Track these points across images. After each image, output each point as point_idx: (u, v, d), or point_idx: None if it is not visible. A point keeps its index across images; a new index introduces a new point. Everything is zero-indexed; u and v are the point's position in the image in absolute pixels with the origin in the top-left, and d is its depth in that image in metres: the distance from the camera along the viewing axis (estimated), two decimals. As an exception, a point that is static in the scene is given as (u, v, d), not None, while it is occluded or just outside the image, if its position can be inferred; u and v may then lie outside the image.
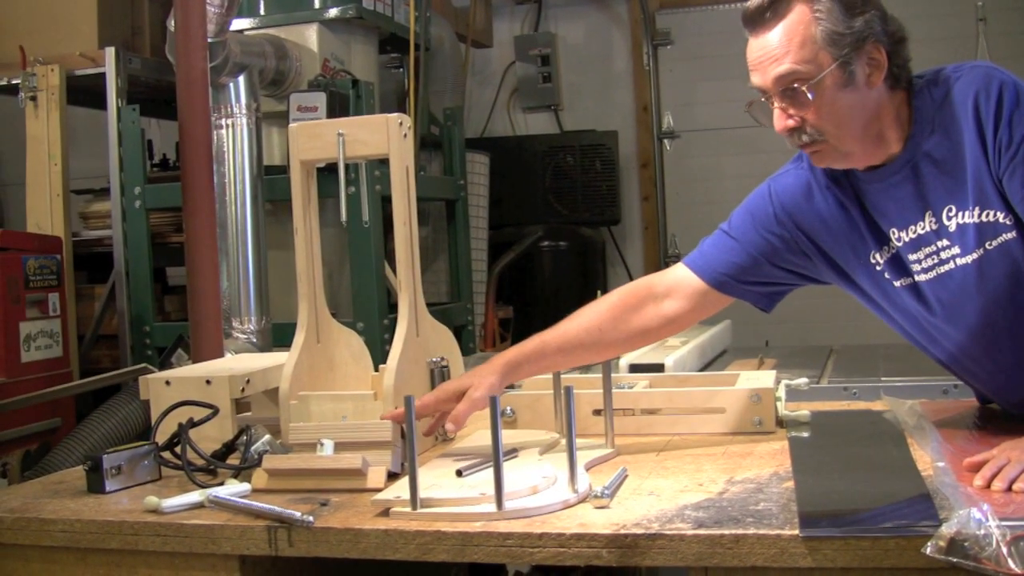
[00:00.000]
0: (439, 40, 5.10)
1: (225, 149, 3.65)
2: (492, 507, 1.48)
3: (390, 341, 2.00)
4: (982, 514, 1.25)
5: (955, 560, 1.23)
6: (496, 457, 1.49)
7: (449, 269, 4.86)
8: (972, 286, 1.71)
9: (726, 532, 1.35)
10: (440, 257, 4.91)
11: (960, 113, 1.69)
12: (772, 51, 1.69)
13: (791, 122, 1.71)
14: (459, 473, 1.63)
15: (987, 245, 1.69)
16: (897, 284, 1.79)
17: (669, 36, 5.93)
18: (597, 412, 1.99)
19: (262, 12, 4.21)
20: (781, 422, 2.00)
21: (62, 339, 3.88)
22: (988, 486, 1.45)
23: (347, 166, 1.94)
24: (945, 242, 1.72)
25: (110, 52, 4.07)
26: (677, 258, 6.09)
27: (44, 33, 4.22)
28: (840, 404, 2.27)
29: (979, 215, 1.68)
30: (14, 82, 4.18)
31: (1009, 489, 1.43)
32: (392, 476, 1.73)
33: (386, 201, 2.48)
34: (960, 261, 1.71)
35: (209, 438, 1.88)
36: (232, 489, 1.67)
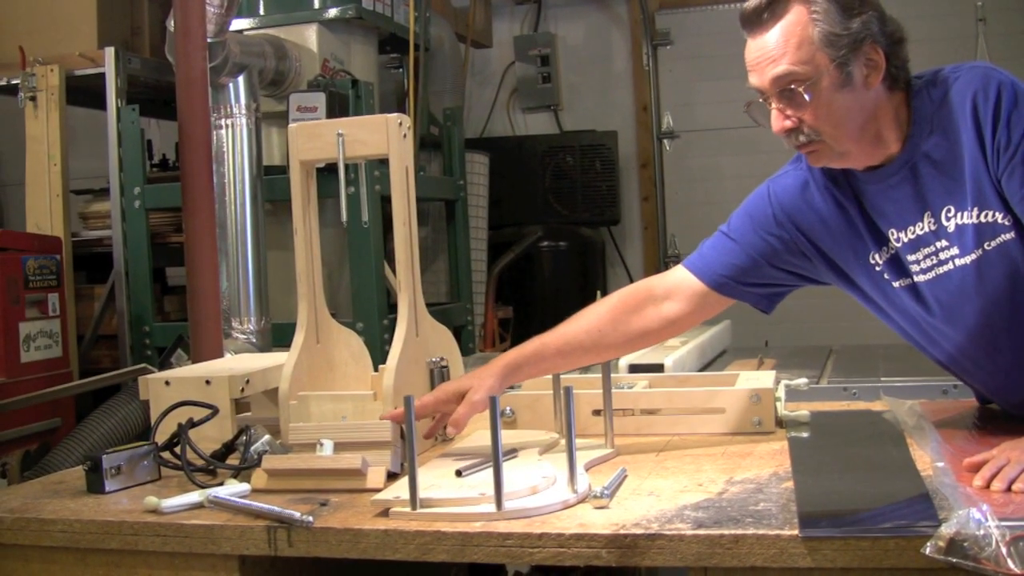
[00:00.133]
0: (439, 40, 5.10)
1: (225, 149, 3.65)
2: (492, 507, 1.48)
3: (390, 341, 2.00)
4: (981, 514, 1.25)
5: (954, 560, 1.23)
6: (496, 457, 1.49)
7: (449, 269, 4.86)
8: (971, 287, 1.71)
9: (726, 532, 1.35)
10: (440, 257, 4.91)
11: (958, 114, 1.69)
12: (769, 52, 1.69)
13: (788, 123, 1.71)
14: (459, 473, 1.63)
15: (986, 246, 1.69)
16: (896, 285, 1.80)
17: (669, 36, 5.93)
18: (597, 412, 1.99)
19: (262, 12, 4.21)
20: (781, 422, 2.00)
21: (62, 339, 3.88)
22: (987, 486, 1.45)
23: (347, 166, 1.94)
24: (944, 243, 1.72)
25: (110, 52, 4.07)
26: (677, 258, 6.11)
27: (44, 33, 4.22)
28: (840, 404, 2.27)
29: (978, 216, 1.68)
30: (14, 82, 4.18)
31: (1008, 489, 1.43)
32: (392, 476, 1.73)
33: (386, 201, 2.47)
34: (959, 262, 1.71)
35: (209, 438, 1.88)
36: (232, 489, 1.67)
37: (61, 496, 1.77)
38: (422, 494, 1.51)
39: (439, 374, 1.96)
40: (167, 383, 2.01)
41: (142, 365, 3.52)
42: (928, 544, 1.25)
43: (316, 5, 4.19)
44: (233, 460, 1.85)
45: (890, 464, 1.66)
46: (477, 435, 2.00)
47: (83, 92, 4.28)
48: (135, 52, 4.27)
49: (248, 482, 1.71)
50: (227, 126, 3.67)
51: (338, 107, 3.76)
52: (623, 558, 1.38)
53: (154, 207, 4.03)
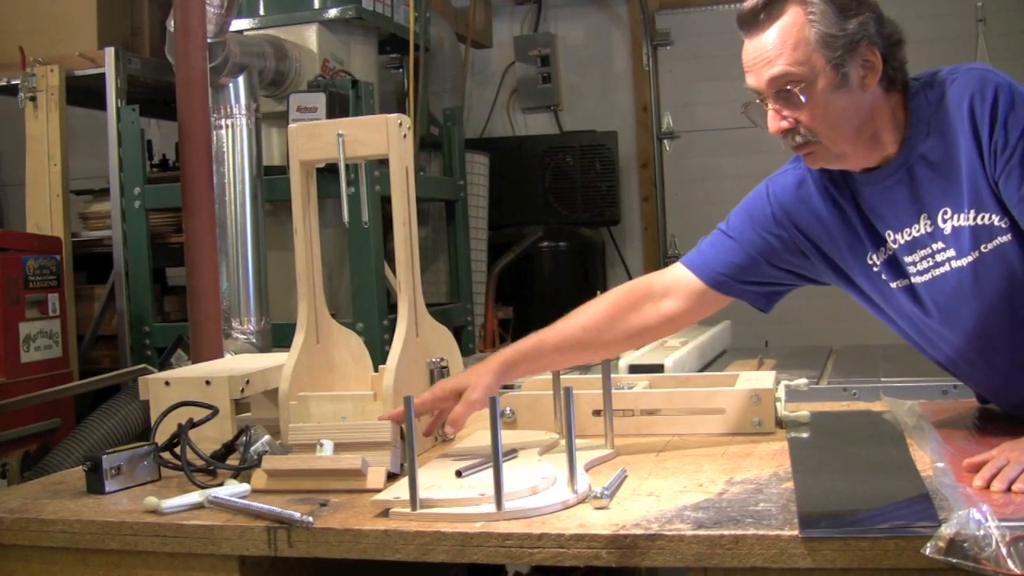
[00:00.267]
0: (439, 40, 5.10)
1: (225, 149, 3.65)
2: (492, 508, 1.48)
3: (390, 341, 2.00)
4: (981, 515, 1.25)
5: (954, 561, 1.23)
6: (495, 458, 1.49)
7: (449, 270, 4.86)
8: (967, 289, 1.71)
9: (725, 533, 1.35)
10: (440, 257, 4.91)
11: (955, 116, 1.68)
12: (766, 53, 1.69)
13: (785, 123, 1.71)
14: (458, 474, 1.63)
15: (982, 248, 1.68)
16: (893, 286, 1.79)
17: (669, 36, 5.93)
18: (597, 413, 1.99)
19: (262, 12, 4.20)
20: (781, 423, 2.00)
21: (62, 339, 3.88)
22: (987, 487, 1.45)
23: (347, 166, 1.94)
24: (940, 244, 1.72)
25: (110, 52, 4.07)
26: (676, 259, 6.07)
27: (44, 33, 4.22)
28: (840, 405, 2.27)
29: (974, 218, 1.68)
30: (14, 82, 4.18)
31: (1008, 490, 1.43)
32: (392, 476, 1.73)
33: (386, 201, 2.47)
34: (955, 264, 1.71)
35: (209, 439, 1.88)
36: (231, 489, 1.67)
37: (61, 496, 1.77)
38: (422, 494, 1.51)
39: (439, 374, 1.96)
40: (167, 383, 2.01)
41: (142, 365, 3.52)
42: (928, 544, 1.25)
43: (316, 5, 4.19)
44: (233, 460, 1.85)
45: (890, 464, 1.65)
46: (477, 435, 2.00)
47: (83, 92, 4.28)
48: (135, 52, 4.27)
49: (248, 482, 1.71)
50: (227, 126, 3.66)
51: (338, 107, 3.76)
52: (623, 558, 1.38)
53: (154, 207, 4.03)
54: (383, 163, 1.96)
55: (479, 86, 6.16)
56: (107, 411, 3.33)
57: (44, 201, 4.10)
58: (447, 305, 4.70)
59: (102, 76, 4.08)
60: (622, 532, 1.39)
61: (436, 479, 1.63)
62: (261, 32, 4.09)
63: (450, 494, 1.54)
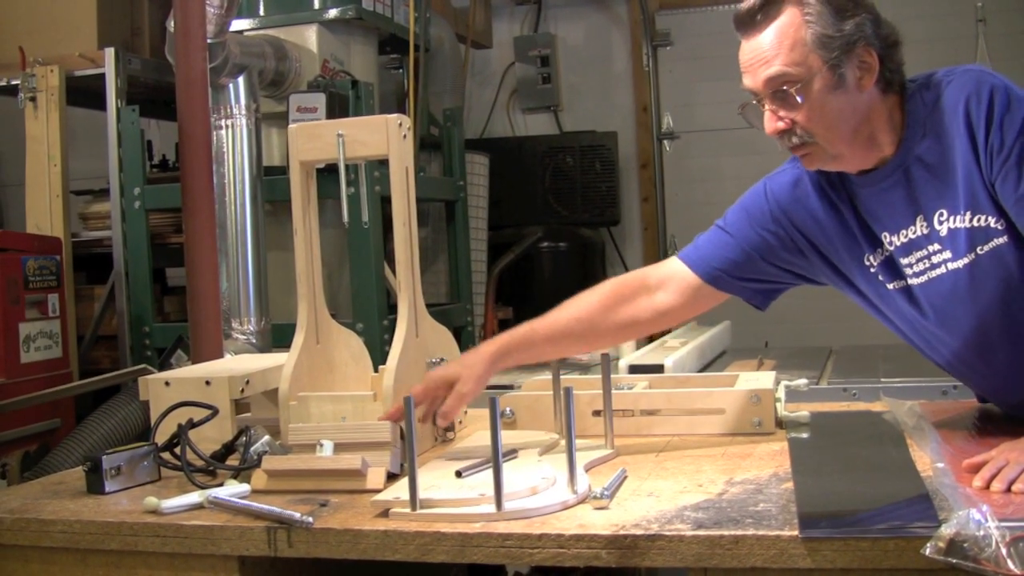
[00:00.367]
0: (439, 41, 5.10)
1: (225, 150, 3.65)
2: (491, 508, 1.48)
3: (390, 342, 2.00)
4: (981, 515, 1.25)
5: (954, 561, 1.23)
6: (495, 458, 1.49)
7: (449, 270, 4.85)
8: (964, 290, 1.71)
9: (725, 533, 1.35)
10: (440, 258, 4.91)
11: (951, 117, 1.68)
12: (762, 53, 1.69)
13: (781, 124, 1.71)
14: (458, 474, 1.63)
15: (978, 250, 1.68)
16: (890, 287, 1.79)
17: (669, 37, 5.93)
18: (597, 413, 1.99)
19: (262, 13, 4.20)
20: (780, 423, 2.00)
21: (61, 340, 3.87)
22: (987, 487, 1.45)
23: (347, 167, 1.94)
24: (936, 246, 1.72)
25: (110, 53, 4.07)
26: (676, 259, 6.05)
27: (44, 34, 4.22)
28: (840, 405, 2.27)
29: (970, 220, 1.68)
30: (14, 83, 4.18)
31: (1008, 490, 1.43)
32: (391, 477, 1.73)
33: (386, 202, 2.48)
34: (951, 266, 1.71)
35: (208, 439, 1.88)
36: (231, 490, 1.67)
37: (61, 497, 1.77)
38: (422, 495, 1.51)
39: (439, 375, 1.96)
40: (167, 384, 2.01)
41: (142, 366, 3.52)
42: (928, 545, 1.25)
43: (316, 6, 4.19)
44: (233, 461, 1.85)
45: (890, 465, 1.65)
46: (477, 436, 2.00)
47: (83, 92, 4.28)
48: (135, 53, 4.27)
49: (248, 483, 1.71)
50: (227, 127, 3.66)
51: (338, 108, 3.76)
52: (623, 559, 1.38)
53: (154, 208, 4.03)
54: (383, 163, 1.96)
55: (479, 86, 6.16)
56: (107, 411, 3.33)
57: (44, 201, 4.10)
58: (447, 305, 4.70)
59: (102, 76, 4.08)
60: (622, 532, 1.39)
61: (436, 479, 1.63)
62: (261, 32, 4.09)
63: (450, 494, 1.54)
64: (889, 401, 2.05)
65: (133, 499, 1.71)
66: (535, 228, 5.61)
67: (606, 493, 1.52)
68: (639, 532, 1.38)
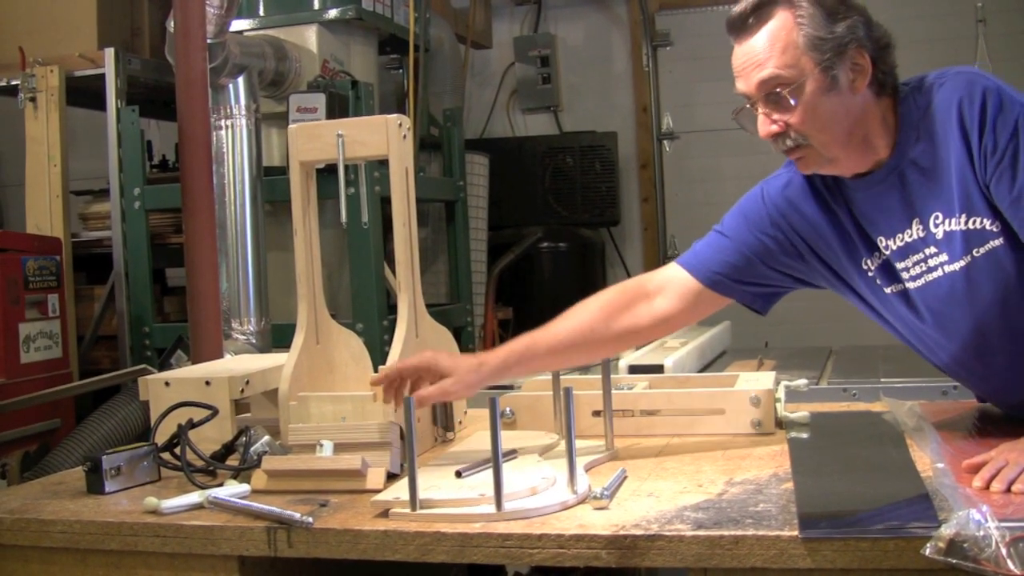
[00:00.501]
0: (438, 41, 5.10)
1: (224, 150, 3.65)
2: (491, 508, 1.48)
3: (389, 342, 2.00)
4: (981, 515, 1.25)
5: (954, 561, 1.23)
6: (495, 458, 1.49)
7: (448, 270, 4.86)
8: (961, 293, 1.70)
9: (725, 533, 1.35)
10: (439, 258, 4.91)
11: (945, 120, 1.68)
12: (755, 57, 1.69)
13: (774, 127, 1.71)
14: (458, 474, 1.63)
15: (975, 252, 1.68)
16: (888, 291, 1.79)
17: (669, 37, 5.93)
18: (596, 413, 1.99)
19: (261, 13, 4.20)
20: (780, 423, 2.00)
21: (61, 340, 3.88)
22: (987, 487, 1.45)
23: (346, 167, 1.94)
24: (932, 249, 1.72)
25: (109, 53, 4.07)
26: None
27: (44, 34, 4.22)
28: (839, 405, 2.27)
29: (966, 222, 1.68)
30: (14, 83, 4.18)
31: (1008, 490, 1.43)
32: (391, 477, 1.73)
33: (385, 202, 2.48)
34: (948, 268, 1.71)
35: (208, 439, 1.88)
36: (231, 490, 1.67)
37: (61, 497, 1.77)
38: (422, 495, 1.51)
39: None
40: (167, 384, 2.01)
41: (142, 366, 3.52)
42: (928, 545, 1.25)
43: (316, 6, 4.19)
44: (233, 461, 1.85)
45: (890, 465, 1.65)
46: (476, 436, 2.00)
47: (83, 93, 4.28)
48: (135, 53, 4.28)
49: (248, 483, 1.71)
50: (227, 127, 3.66)
51: (338, 108, 3.76)
52: (623, 559, 1.38)
53: (154, 208, 4.03)
54: (383, 164, 1.96)
55: (479, 87, 6.16)
56: (107, 411, 3.33)
57: (44, 202, 4.10)
58: (447, 306, 4.70)
59: (102, 77, 4.08)
60: (622, 532, 1.39)
61: (436, 479, 1.63)
62: (261, 33, 4.09)
63: (450, 494, 1.54)
64: (889, 401, 2.05)
65: (133, 499, 1.71)
66: (535, 228, 5.61)
67: (606, 493, 1.52)
68: (639, 532, 1.38)
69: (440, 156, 4.87)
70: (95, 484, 1.77)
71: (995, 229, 1.66)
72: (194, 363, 2.86)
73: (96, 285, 4.24)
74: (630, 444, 1.93)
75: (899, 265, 1.76)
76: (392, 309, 2.37)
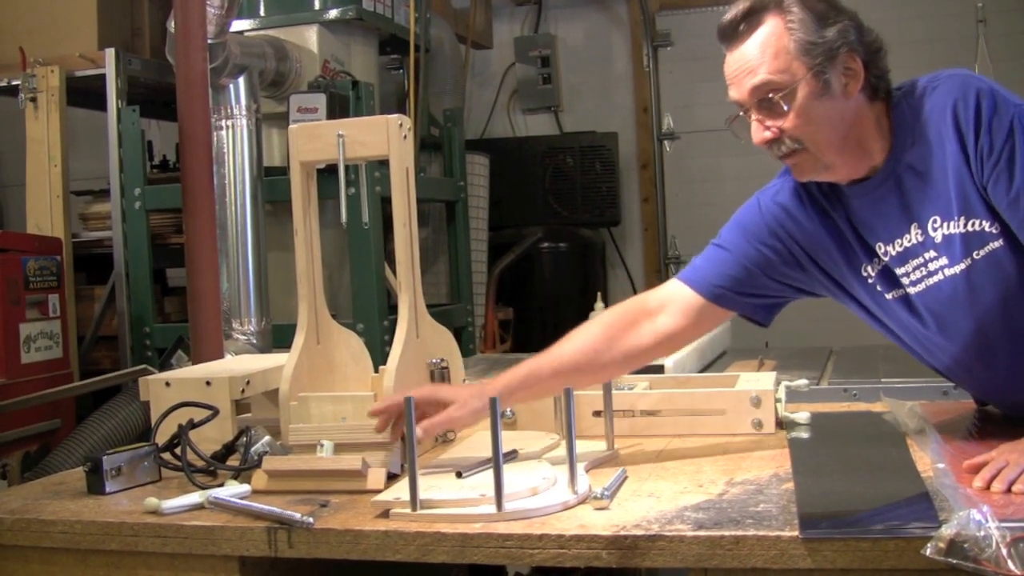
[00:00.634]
0: (439, 41, 5.10)
1: (225, 150, 3.65)
2: (492, 508, 1.48)
3: (390, 342, 2.00)
4: (982, 515, 1.25)
5: (955, 561, 1.24)
6: (496, 458, 1.49)
7: (449, 271, 4.85)
8: (962, 296, 1.70)
9: (726, 533, 1.35)
10: (440, 258, 4.91)
11: (940, 123, 1.68)
12: (747, 64, 1.69)
13: (768, 133, 1.71)
14: (459, 474, 1.63)
15: (975, 255, 1.67)
16: (889, 297, 1.79)
17: (669, 37, 5.93)
18: (597, 414, 1.99)
19: (262, 13, 4.20)
20: (781, 423, 2.00)
21: (62, 340, 3.88)
22: (988, 488, 1.45)
23: (347, 167, 1.94)
24: (932, 253, 1.71)
25: (110, 53, 4.07)
26: (677, 259, 6.07)
27: (44, 34, 4.22)
28: (840, 405, 2.27)
29: (965, 225, 1.67)
30: (14, 83, 4.18)
31: (1009, 491, 1.43)
32: (392, 477, 1.73)
33: (386, 202, 2.47)
34: (948, 272, 1.70)
35: (209, 439, 1.88)
36: (232, 490, 1.67)
37: (61, 497, 1.77)
38: (422, 495, 1.51)
39: (439, 375, 1.96)
40: (167, 384, 2.01)
41: (142, 366, 3.52)
42: (928, 545, 1.25)
43: (316, 6, 4.19)
44: (233, 461, 1.85)
45: (890, 465, 1.66)
46: (477, 437, 2.00)
47: (83, 93, 4.28)
48: (135, 53, 4.27)
49: (248, 483, 1.71)
50: (227, 127, 3.66)
51: (338, 108, 3.76)
52: (623, 559, 1.38)
53: (154, 208, 4.03)
54: (383, 164, 1.96)
55: (479, 87, 6.16)
56: (107, 412, 3.33)
57: (44, 202, 4.10)
58: (447, 306, 4.70)
59: (102, 77, 4.08)
60: (622, 533, 1.39)
61: (436, 480, 1.63)
62: (261, 33, 4.09)
63: (450, 495, 1.54)
64: (889, 402, 2.05)
65: (133, 499, 1.71)
66: (535, 229, 5.61)
67: (606, 493, 1.52)
68: (640, 532, 1.38)
69: (440, 156, 4.87)
70: (96, 484, 1.77)
71: (994, 231, 1.66)
72: (195, 363, 2.86)
73: (96, 285, 4.24)
74: (630, 444, 1.93)
75: (899, 270, 1.76)
76: (392, 309, 2.37)
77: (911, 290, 1.75)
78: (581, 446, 1.72)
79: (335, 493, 1.67)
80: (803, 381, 2.19)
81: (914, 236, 1.73)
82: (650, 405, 2.03)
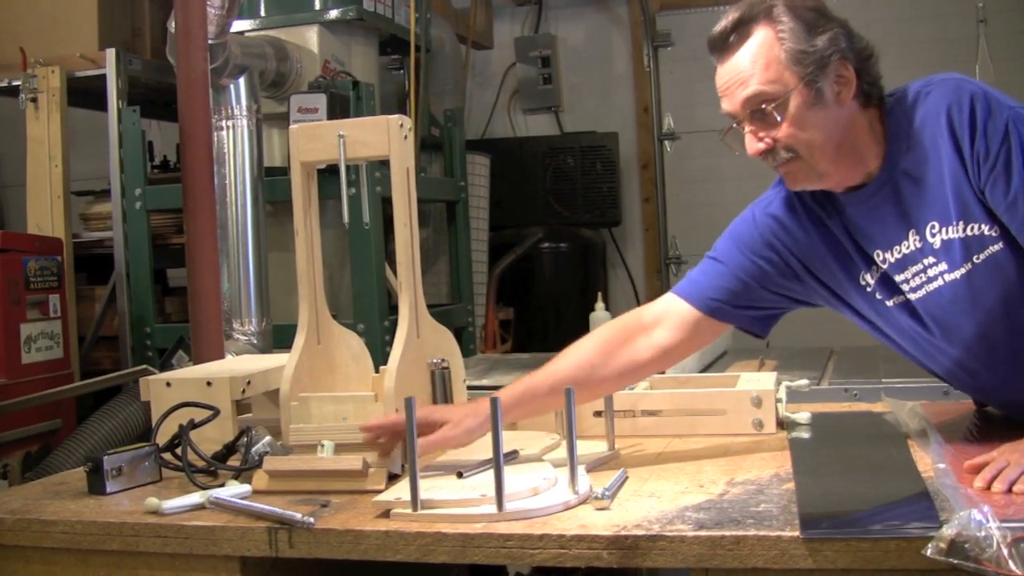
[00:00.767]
0: (439, 41, 5.10)
1: (226, 150, 3.65)
2: (493, 508, 1.48)
3: (391, 343, 2.00)
4: (983, 516, 1.25)
5: (956, 562, 1.24)
6: (497, 458, 1.49)
7: (450, 271, 4.85)
8: (963, 300, 1.69)
9: (727, 533, 1.35)
10: (440, 259, 4.90)
11: (934, 128, 1.67)
12: (738, 75, 1.69)
13: (762, 145, 1.70)
14: (460, 475, 1.63)
15: (975, 259, 1.67)
16: (889, 303, 1.78)
17: (669, 37, 5.93)
18: (598, 414, 1.99)
19: (263, 13, 4.20)
20: (782, 423, 2.00)
21: (63, 340, 3.88)
22: (988, 488, 1.45)
23: (348, 167, 1.94)
24: (931, 259, 1.71)
25: (110, 53, 4.06)
26: (677, 260, 6.06)
27: (44, 34, 4.22)
28: (841, 406, 2.27)
29: (963, 229, 1.67)
30: (15, 84, 4.18)
31: (1009, 491, 1.43)
32: (392, 477, 1.73)
33: (387, 202, 2.47)
34: (948, 277, 1.70)
35: (210, 439, 1.88)
36: (233, 490, 1.67)
37: (62, 497, 1.77)
38: (423, 495, 1.51)
39: (440, 375, 1.96)
40: (168, 384, 2.01)
41: (143, 366, 3.52)
42: (929, 545, 1.25)
43: (317, 6, 4.19)
44: (234, 461, 1.85)
45: (891, 465, 1.66)
46: (478, 436, 2.00)
47: (84, 93, 4.28)
48: (136, 53, 4.27)
49: (249, 483, 1.72)
50: (228, 127, 3.66)
51: (339, 108, 3.76)
52: (624, 559, 1.38)
53: (155, 208, 4.03)
54: (384, 164, 1.96)
55: (480, 87, 6.16)
56: (108, 412, 3.33)
57: (45, 202, 4.10)
58: (448, 306, 4.70)
59: (103, 77, 4.07)
60: (623, 533, 1.39)
61: (437, 480, 1.63)
62: (262, 33, 4.09)
63: (451, 495, 1.54)
64: (890, 402, 2.06)
65: (134, 500, 1.71)
66: (536, 229, 5.61)
67: (607, 494, 1.52)
68: (640, 533, 1.38)
69: (441, 156, 4.87)
70: (96, 484, 1.77)
71: (994, 234, 1.66)
72: (195, 363, 2.86)
73: (97, 286, 4.24)
74: (631, 444, 1.93)
75: (898, 277, 1.75)
76: (393, 310, 2.37)
77: (911, 296, 1.75)
78: (582, 446, 1.72)
79: (336, 493, 1.67)
80: (804, 381, 2.19)
81: (912, 242, 1.72)
82: (651, 405, 2.04)
